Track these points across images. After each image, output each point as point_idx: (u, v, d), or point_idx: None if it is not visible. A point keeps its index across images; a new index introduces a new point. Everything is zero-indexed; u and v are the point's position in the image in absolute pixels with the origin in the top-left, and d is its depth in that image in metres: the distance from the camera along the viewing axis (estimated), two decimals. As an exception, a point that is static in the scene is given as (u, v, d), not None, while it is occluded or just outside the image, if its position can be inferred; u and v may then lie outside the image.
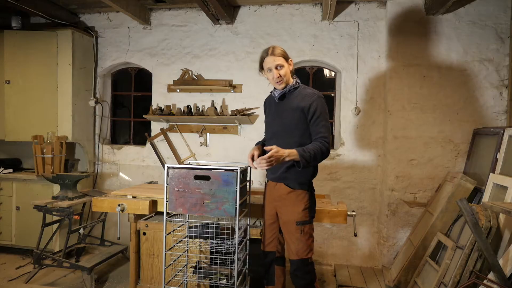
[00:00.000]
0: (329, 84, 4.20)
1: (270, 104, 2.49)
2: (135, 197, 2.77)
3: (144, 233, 2.87)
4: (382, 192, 3.75)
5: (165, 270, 2.35)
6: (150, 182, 3.65)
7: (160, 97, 4.27)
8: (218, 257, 2.48)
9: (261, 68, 2.35)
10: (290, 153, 2.08)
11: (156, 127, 4.30)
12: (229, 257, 2.41)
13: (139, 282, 2.90)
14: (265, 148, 2.14)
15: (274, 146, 2.07)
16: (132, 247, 2.86)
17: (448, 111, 3.55)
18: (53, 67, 4.03)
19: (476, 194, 3.14)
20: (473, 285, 2.33)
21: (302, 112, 2.23)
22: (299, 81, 2.37)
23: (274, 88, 2.38)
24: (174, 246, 2.51)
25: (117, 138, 4.78)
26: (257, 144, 2.54)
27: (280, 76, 2.26)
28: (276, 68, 2.25)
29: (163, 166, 2.13)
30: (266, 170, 2.22)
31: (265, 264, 2.47)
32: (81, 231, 3.57)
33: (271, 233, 2.43)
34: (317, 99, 2.22)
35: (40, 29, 4.12)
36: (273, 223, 2.41)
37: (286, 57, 2.29)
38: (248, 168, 2.53)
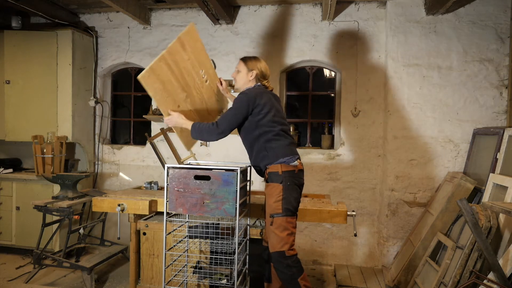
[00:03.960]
0: (329, 84, 4.20)
1: None
2: (135, 197, 2.77)
3: (144, 233, 2.87)
4: (382, 192, 3.75)
5: (165, 270, 2.35)
6: (150, 182, 3.65)
7: (160, 97, 4.27)
8: (218, 257, 2.48)
9: None
10: (186, 123, 2.43)
11: (156, 127, 4.29)
12: (229, 257, 2.41)
13: (139, 282, 2.90)
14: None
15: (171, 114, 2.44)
16: (132, 247, 2.86)
17: (448, 111, 3.56)
18: (53, 67, 4.03)
19: (476, 194, 3.14)
20: (473, 285, 2.33)
21: None
22: (250, 88, 2.48)
23: None
24: (174, 246, 2.51)
25: (117, 138, 4.78)
26: None
27: (235, 79, 2.57)
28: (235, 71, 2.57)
29: (163, 166, 2.13)
30: None
31: (264, 259, 2.54)
32: (81, 231, 3.57)
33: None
34: (237, 97, 2.41)
35: (40, 29, 4.12)
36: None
37: (247, 64, 2.50)
38: (248, 168, 2.54)
